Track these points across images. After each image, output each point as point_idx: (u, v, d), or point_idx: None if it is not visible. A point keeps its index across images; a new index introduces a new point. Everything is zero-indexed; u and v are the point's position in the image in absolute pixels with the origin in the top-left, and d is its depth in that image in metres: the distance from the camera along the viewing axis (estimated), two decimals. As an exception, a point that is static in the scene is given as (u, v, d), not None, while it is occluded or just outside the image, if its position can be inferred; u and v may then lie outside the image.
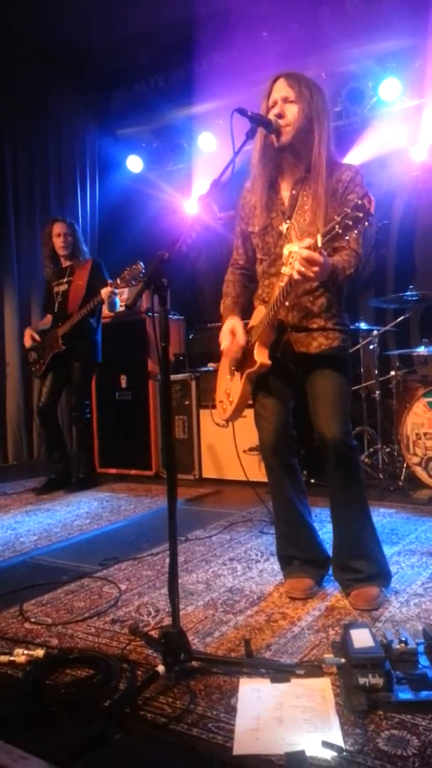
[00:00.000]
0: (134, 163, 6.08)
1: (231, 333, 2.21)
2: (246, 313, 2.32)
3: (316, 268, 1.79)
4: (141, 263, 3.91)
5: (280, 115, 2.04)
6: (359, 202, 1.67)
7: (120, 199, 6.21)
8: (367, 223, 1.68)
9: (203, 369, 4.81)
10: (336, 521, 2.20)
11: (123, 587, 2.39)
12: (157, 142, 6.03)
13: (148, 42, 5.45)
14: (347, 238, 1.78)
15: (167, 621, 1.95)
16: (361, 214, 1.66)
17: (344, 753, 1.29)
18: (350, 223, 1.68)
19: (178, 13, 4.99)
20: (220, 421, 2.43)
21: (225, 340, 2.22)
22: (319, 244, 1.76)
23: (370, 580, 2.13)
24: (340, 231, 1.71)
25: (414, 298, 3.95)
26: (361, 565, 2.14)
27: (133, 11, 5.01)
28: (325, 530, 2.38)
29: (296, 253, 1.80)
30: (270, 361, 2.11)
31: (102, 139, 6.36)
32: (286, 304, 2.03)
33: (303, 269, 1.79)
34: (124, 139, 6.23)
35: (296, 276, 1.82)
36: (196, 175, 5.71)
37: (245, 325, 2.26)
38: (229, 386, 2.30)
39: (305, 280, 1.84)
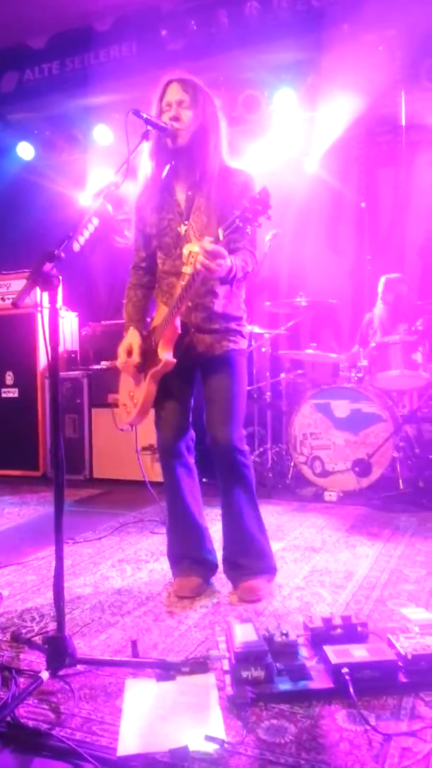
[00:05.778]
0: (25, 150, 5.83)
1: (127, 352, 2.21)
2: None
3: (220, 261, 1.83)
4: None
5: (176, 118, 2.06)
6: (257, 196, 1.73)
7: (8, 187, 5.93)
8: (266, 216, 1.74)
9: (96, 367, 4.72)
10: (226, 521, 2.26)
11: (5, 593, 2.30)
12: (50, 131, 5.81)
13: (44, 27, 5.25)
14: (245, 238, 1.82)
15: (52, 626, 1.91)
16: (260, 207, 1.72)
17: (225, 745, 1.33)
18: (250, 215, 1.74)
19: (77, 1, 4.85)
20: (124, 426, 2.38)
21: (121, 358, 2.22)
22: (221, 238, 1.80)
23: (258, 574, 2.21)
24: (241, 224, 1.75)
25: (304, 305, 4.14)
26: (250, 561, 2.22)
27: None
28: (215, 528, 2.43)
29: (200, 248, 1.81)
30: (174, 360, 2.11)
31: (-10, 122, 6.03)
32: (188, 303, 2.05)
33: (208, 262, 1.81)
34: (14, 124, 5.94)
35: (200, 268, 1.83)
36: (90, 167, 5.58)
37: (148, 324, 2.26)
38: (133, 389, 2.28)
39: (209, 273, 1.86)
